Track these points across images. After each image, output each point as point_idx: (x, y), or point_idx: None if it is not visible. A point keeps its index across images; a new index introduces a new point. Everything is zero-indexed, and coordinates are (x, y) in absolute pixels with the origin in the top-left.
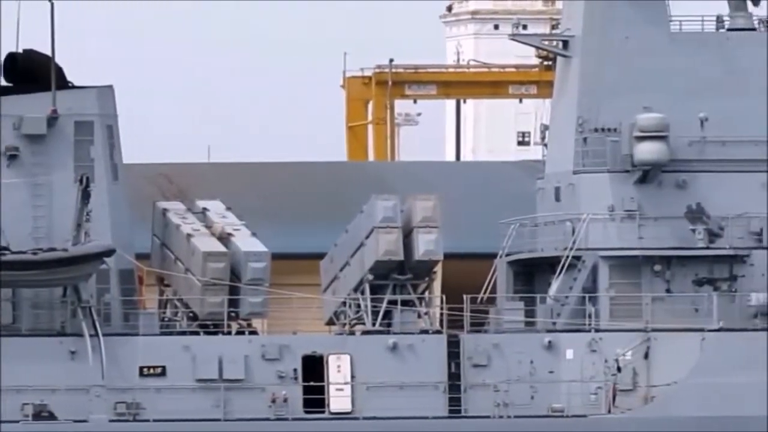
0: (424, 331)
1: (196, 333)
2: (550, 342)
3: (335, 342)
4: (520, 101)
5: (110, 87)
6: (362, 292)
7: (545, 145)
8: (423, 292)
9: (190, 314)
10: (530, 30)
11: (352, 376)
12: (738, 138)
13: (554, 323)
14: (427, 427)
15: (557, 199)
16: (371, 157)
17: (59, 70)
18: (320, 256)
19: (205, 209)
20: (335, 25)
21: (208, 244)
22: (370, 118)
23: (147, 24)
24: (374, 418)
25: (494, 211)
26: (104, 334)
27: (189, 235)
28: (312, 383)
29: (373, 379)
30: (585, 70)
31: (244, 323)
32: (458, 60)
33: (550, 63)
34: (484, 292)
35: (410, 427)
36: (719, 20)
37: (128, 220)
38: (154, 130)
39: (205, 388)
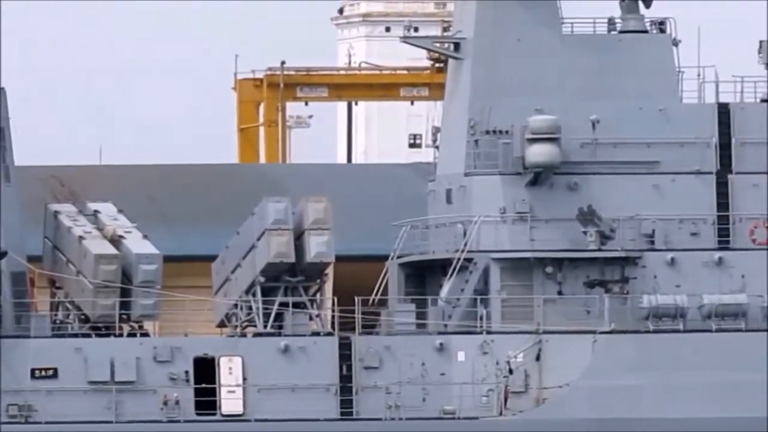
0: (316, 333)
1: (88, 335)
2: (441, 344)
3: (227, 344)
4: (412, 103)
5: (1, 89)
6: (254, 294)
7: (437, 147)
8: (314, 294)
9: (82, 316)
10: (422, 32)
11: (244, 378)
12: (629, 140)
13: (446, 325)
14: (318, 429)
15: (449, 201)
16: (263, 159)
17: None
18: (212, 258)
19: (96, 211)
20: (227, 27)
21: (99, 246)
22: (261, 120)
23: (39, 26)
24: (266, 420)
25: (386, 213)
26: None
27: (81, 238)
28: (203, 385)
29: (264, 381)
30: (476, 72)
31: (135, 325)
32: (350, 62)
33: (441, 65)
34: (376, 294)
35: (302, 429)
36: (611, 22)
37: (20, 223)
38: (46, 132)
39: (96, 390)
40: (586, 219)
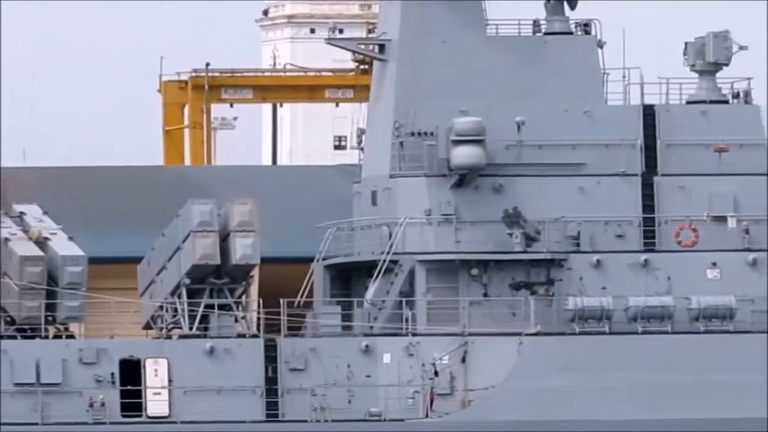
0: (241, 336)
1: (14, 337)
2: (367, 346)
3: (152, 346)
4: (337, 105)
5: None
6: (179, 296)
7: (362, 149)
8: (240, 296)
9: (8, 318)
10: (347, 34)
11: (170, 380)
12: (555, 142)
13: (371, 327)
14: (244, 431)
15: (374, 203)
16: (188, 161)
17: None
18: (137, 260)
19: (21, 213)
20: (152, 29)
21: (24, 248)
22: (186, 122)
23: None
24: (192, 422)
25: (311, 215)
26: None
27: (6, 239)
28: (129, 387)
29: (190, 383)
30: (401, 74)
31: (61, 327)
32: (275, 64)
33: (366, 67)
34: (301, 296)
35: (227, 431)
36: (536, 24)
37: None
38: None
39: (22, 392)
40: (512, 221)
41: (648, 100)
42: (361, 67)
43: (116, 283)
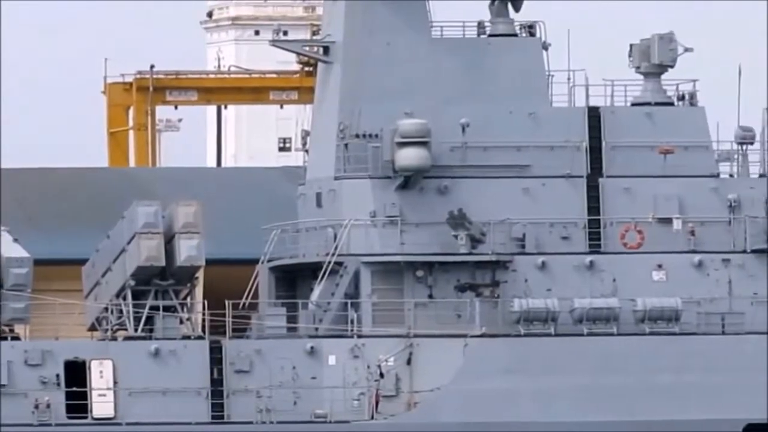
0: (186, 337)
1: None
2: (312, 348)
3: (98, 347)
4: (281, 107)
5: None
6: (124, 298)
7: (306, 151)
8: (185, 298)
9: None
10: (291, 36)
11: (115, 382)
12: (499, 144)
13: (316, 329)
14: None
15: (319, 205)
16: (132, 162)
17: None
18: (82, 261)
19: None
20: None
21: None
22: (131, 123)
23: None
24: (137, 423)
25: (256, 217)
26: None
27: None
28: (75, 389)
29: (135, 384)
30: (346, 76)
31: (6, 329)
32: (219, 66)
33: (311, 69)
34: (246, 298)
35: None
36: (481, 26)
37: None
38: None
39: None
40: (457, 223)
41: (593, 102)
42: (306, 69)
43: (61, 285)
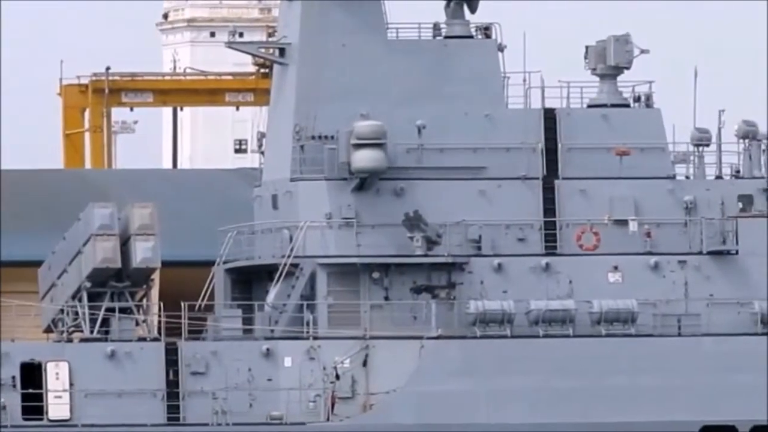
0: (142, 339)
1: None
2: (268, 350)
3: (53, 349)
4: (237, 109)
5: None
6: (80, 300)
7: (262, 152)
8: (141, 300)
9: None
10: (247, 38)
11: (71, 384)
12: (455, 145)
13: (272, 331)
14: None
15: (275, 206)
16: (88, 164)
17: None
18: (38, 263)
19: None
20: (52, 31)
21: None
22: (87, 125)
23: None
24: (93, 425)
25: (212, 219)
26: None
27: None
28: (30, 390)
29: (91, 386)
30: (302, 78)
31: None
32: (174, 68)
33: (266, 71)
34: (202, 300)
35: None
36: (436, 28)
37: None
38: None
39: None
40: (413, 224)
41: (549, 104)
42: (262, 70)
43: (17, 287)
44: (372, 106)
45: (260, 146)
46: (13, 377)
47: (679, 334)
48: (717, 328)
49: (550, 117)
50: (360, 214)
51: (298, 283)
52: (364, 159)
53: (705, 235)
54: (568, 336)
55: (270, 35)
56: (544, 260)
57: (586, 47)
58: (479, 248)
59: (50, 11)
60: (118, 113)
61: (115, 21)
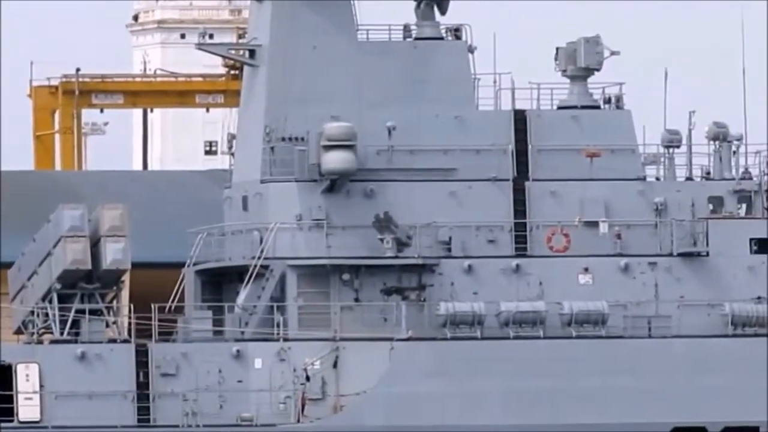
0: (113, 341)
1: None
2: (238, 351)
3: (23, 351)
4: (207, 110)
5: None
6: (50, 301)
7: (232, 154)
8: (111, 301)
9: None
10: (217, 39)
11: (41, 385)
12: (426, 147)
13: (242, 332)
14: None
15: (245, 208)
16: (59, 166)
17: None
18: (8, 265)
19: None
20: (21, 32)
21: None
22: (57, 127)
23: None
24: (63, 427)
25: (182, 220)
26: None
27: None
28: (0, 392)
29: (61, 388)
30: (272, 79)
31: None
32: (145, 69)
33: (237, 72)
34: (173, 302)
35: None
36: (407, 29)
37: None
38: None
39: None
40: (383, 226)
41: (519, 106)
42: (232, 72)
43: None
44: (342, 108)
45: (230, 148)
46: None
47: (650, 336)
48: (687, 329)
49: (520, 118)
50: (330, 216)
51: (268, 285)
52: (335, 160)
53: (675, 236)
54: (538, 338)
55: (240, 37)
56: (514, 262)
57: (557, 49)
58: (449, 250)
59: (20, 12)
60: (89, 115)
61: (86, 22)
